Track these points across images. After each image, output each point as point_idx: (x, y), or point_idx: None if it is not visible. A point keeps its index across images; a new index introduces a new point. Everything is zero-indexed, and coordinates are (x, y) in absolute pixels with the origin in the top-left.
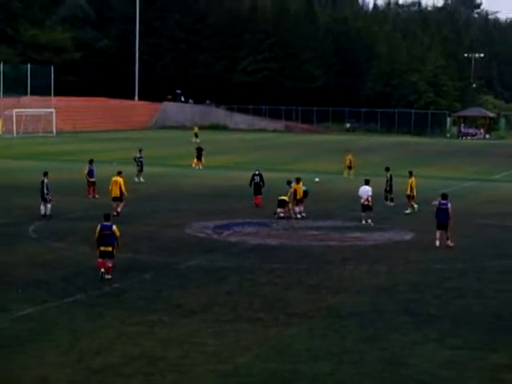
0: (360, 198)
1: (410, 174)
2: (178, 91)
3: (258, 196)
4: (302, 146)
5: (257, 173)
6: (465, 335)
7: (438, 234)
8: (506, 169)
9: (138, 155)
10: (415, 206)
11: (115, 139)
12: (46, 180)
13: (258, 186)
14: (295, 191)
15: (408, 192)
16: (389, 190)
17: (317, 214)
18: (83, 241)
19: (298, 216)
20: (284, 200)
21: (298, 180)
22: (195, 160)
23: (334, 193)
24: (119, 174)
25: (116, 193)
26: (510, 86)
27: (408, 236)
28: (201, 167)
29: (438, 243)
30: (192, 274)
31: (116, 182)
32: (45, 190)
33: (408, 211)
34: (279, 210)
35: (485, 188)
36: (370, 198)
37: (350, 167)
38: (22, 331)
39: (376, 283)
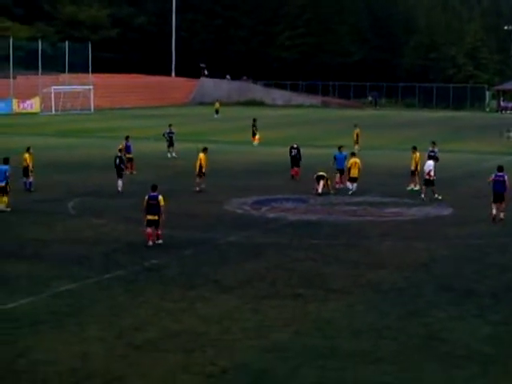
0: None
1: (414, 148)
2: (203, 65)
3: (296, 168)
4: (339, 121)
5: (295, 146)
6: (506, 311)
7: (494, 206)
8: None
9: (168, 130)
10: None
11: (153, 116)
12: (119, 154)
13: (294, 159)
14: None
15: (413, 167)
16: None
17: (355, 190)
18: (122, 217)
19: (349, 193)
20: (322, 175)
21: (352, 154)
22: (257, 136)
23: (371, 168)
24: (204, 150)
25: (197, 169)
26: None
27: (447, 211)
28: (255, 143)
29: (496, 214)
30: (230, 250)
31: (200, 158)
32: (121, 165)
33: (411, 187)
34: (319, 185)
35: None
36: (431, 173)
37: (357, 142)
38: (62, 306)
39: (415, 259)
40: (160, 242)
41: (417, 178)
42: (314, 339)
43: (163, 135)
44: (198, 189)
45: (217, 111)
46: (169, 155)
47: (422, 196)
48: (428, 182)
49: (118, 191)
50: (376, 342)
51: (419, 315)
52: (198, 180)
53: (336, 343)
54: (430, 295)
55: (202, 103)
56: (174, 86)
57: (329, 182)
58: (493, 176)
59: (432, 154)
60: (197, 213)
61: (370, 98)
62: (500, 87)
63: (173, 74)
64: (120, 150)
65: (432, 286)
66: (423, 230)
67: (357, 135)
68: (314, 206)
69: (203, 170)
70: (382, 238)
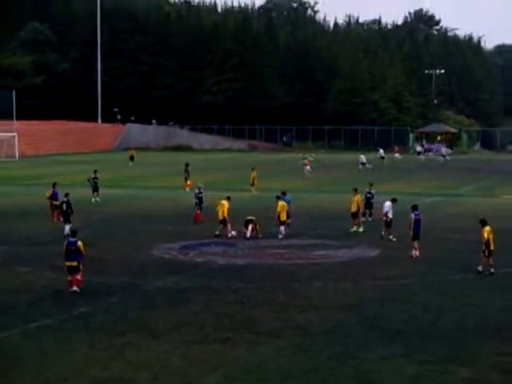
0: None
1: (355, 190)
2: (116, 109)
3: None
4: (267, 164)
5: (197, 191)
6: (432, 349)
7: (415, 244)
8: (468, 183)
9: (93, 176)
10: (360, 229)
11: (78, 162)
12: (66, 199)
13: (200, 200)
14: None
15: (354, 209)
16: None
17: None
18: (48, 265)
19: (280, 236)
20: (251, 219)
21: (277, 198)
22: (188, 182)
23: (297, 211)
24: (228, 198)
25: (221, 215)
26: (471, 101)
27: (374, 252)
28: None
29: (416, 253)
30: (159, 296)
31: (223, 205)
32: (68, 210)
33: (354, 229)
34: (247, 230)
35: (449, 202)
36: (388, 214)
37: (252, 184)
38: None
39: (343, 300)
40: (75, 289)
41: (360, 220)
42: (243, 383)
43: (88, 180)
44: (217, 233)
45: (132, 158)
46: (93, 200)
47: (382, 234)
48: (387, 224)
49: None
50: None
51: (348, 357)
52: (220, 227)
53: None
54: (359, 336)
55: (128, 149)
56: (100, 131)
57: (257, 227)
58: (413, 216)
59: (369, 195)
60: (124, 259)
61: (284, 139)
62: (422, 129)
63: (99, 120)
64: (66, 195)
65: (361, 327)
66: (351, 271)
67: (253, 178)
68: (242, 250)
69: (225, 217)
70: (310, 280)
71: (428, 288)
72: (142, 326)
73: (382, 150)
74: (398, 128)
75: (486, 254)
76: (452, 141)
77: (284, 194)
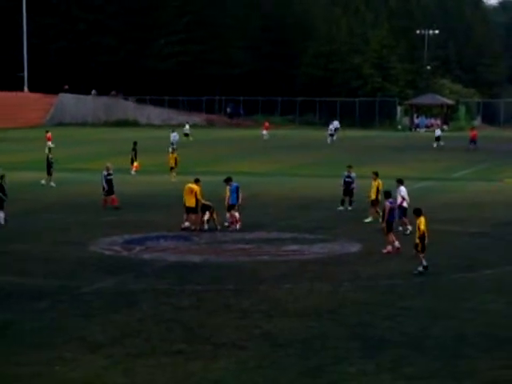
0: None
1: (376, 175)
2: (22, 74)
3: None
4: (227, 142)
5: (106, 172)
6: (422, 362)
7: (392, 237)
8: (466, 166)
9: (50, 155)
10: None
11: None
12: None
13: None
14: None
15: (373, 197)
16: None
17: (246, 225)
18: None
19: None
20: (208, 206)
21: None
22: (135, 163)
23: (266, 198)
24: (197, 181)
25: (191, 202)
26: (470, 67)
27: (354, 248)
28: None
29: (389, 249)
30: (97, 300)
31: (191, 189)
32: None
33: (369, 219)
34: (205, 217)
35: (443, 189)
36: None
37: (172, 168)
38: None
39: (319, 304)
40: None
41: (377, 208)
42: None
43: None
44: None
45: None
46: (43, 181)
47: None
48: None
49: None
50: None
51: (324, 371)
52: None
53: None
54: (338, 347)
55: (61, 124)
56: (27, 103)
57: (215, 216)
58: (388, 204)
59: (348, 179)
60: (55, 256)
61: (228, 109)
62: (413, 101)
63: (25, 88)
64: (2, 177)
65: (340, 336)
66: (329, 270)
67: (174, 161)
68: (198, 245)
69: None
70: (279, 281)
71: (418, 290)
72: (76, 337)
73: (336, 122)
74: (384, 99)
75: (420, 248)
76: (447, 115)
77: (230, 179)
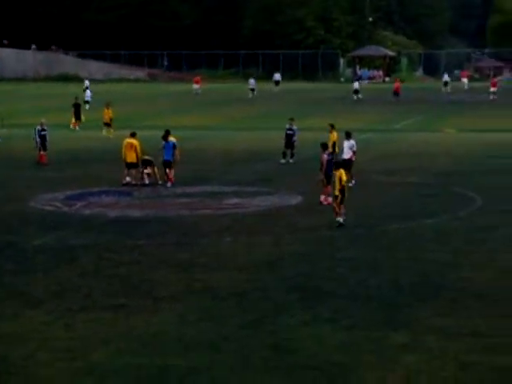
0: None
1: (332, 126)
2: (5, 41)
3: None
4: (168, 96)
5: (40, 128)
6: (361, 313)
7: (330, 189)
8: (407, 117)
9: None
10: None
11: None
12: None
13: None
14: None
15: (330, 149)
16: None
17: (187, 179)
18: None
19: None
20: (149, 160)
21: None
22: (73, 120)
23: (208, 152)
24: (133, 135)
25: (132, 157)
26: (412, 18)
27: (295, 200)
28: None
29: (328, 199)
30: (38, 256)
31: (131, 145)
32: None
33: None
34: (145, 171)
35: (384, 140)
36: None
37: (108, 124)
38: None
39: (258, 257)
40: None
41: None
42: (138, 358)
43: None
44: (127, 180)
45: None
46: None
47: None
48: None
49: None
50: (212, 357)
51: (264, 323)
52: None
53: (165, 361)
54: (277, 299)
55: (1, 79)
56: None
57: (155, 170)
58: (325, 156)
59: (290, 132)
60: None
61: (165, 64)
62: (355, 53)
63: None
64: None
65: (279, 288)
66: (268, 222)
67: (108, 117)
68: (139, 200)
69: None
70: (219, 235)
71: (357, 241)
72: (16, 293)
73: (277, 75)
74: (327, 52)
75: (339, 200)
76: (390, 66)
77: (168, 133)
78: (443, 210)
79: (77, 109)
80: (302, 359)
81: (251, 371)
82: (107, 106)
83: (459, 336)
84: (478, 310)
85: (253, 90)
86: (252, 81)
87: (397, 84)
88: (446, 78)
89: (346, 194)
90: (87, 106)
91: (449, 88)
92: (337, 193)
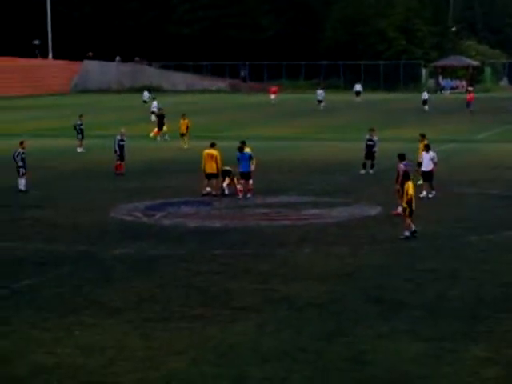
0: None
1: (423, 136)
2: (36, 42)
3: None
4: (250, 107)
5: (120, 137)
6: (441, 324)
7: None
8: (490, 127)
9: (79, 122)
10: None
11: (27, 107)
12: (20, 150)
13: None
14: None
15: (420, 159)
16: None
17: (266, 189)
18: None
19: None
20: (228, 171)
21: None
22: (156, 129)
23: (288, 163)
24: (213, 146)
25: (212, 168)
26: (497, 28)
27: (374, 211)
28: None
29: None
30: (118, 266)
31: (211, 155)
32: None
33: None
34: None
35: (466, 150)
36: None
37: (183, 134)
38: None
39: (337, 268)
40: None
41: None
42: (215, 368)
43: (74, 127)
44: (208, 191)
45: None
46: (78, 150)
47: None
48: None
49: (20, 190)
50: (289, 368)
51: (341, 334)
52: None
53: (242, 371)
54: (355, 310)
55: (86, 91)
56: (52, 70)
57: (235, 181)
58: (402, 166)
59: (370, 143)
60: (77, 222)
61: (242, 74)
62: (438, 63)
63: (50, 55)
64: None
65: (357, 300)
66: (348, 233)
67: (186, 126)
68: (218, 210)
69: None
70: (299, 245)
71: (438, 252)
72: (96, 302)
73: (358, 86)
74: (409, 62)
75: (408, 213)
76: (473, 76)
77: (244, 144)
78: None
79: (160, 119)
80: (379, 371)
81: (328, 383)
82: (183, 116)
83: None
84: None
85: (320, 101)
86: (320, 91)
87: (469, 96)
88: None
89: (414, 206)
90: (152, 118)
91: None
92: (404, 205)
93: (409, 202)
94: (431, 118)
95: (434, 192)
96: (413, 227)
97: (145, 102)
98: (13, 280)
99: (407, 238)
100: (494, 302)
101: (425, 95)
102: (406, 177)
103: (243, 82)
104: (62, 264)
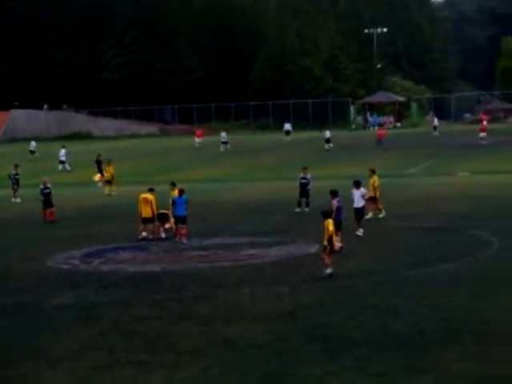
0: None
1: (373, 172)
2: (16, 103)
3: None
4: (180, 151)
5: (42, 186)
6: (386, 360)
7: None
8: (421, 161)
9: (14, 172)
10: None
11: None
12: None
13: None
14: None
15: (372, 193)
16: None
17: (203, 231)
18: None
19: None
20: (165, 214)
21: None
22: (99, 174)
23: (222, 204)
24: (150, 190)
25: (148, 212)
26: (420, 64)
27: (313, 248)
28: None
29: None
30: (57, 315)
31: (146, 200)
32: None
33: (369, 215)
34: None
35: (399, 185)
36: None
37: (109, 181)
38: None
39: (278, 307)
40: None
41: (379, 204)
42: None
43: (9, 177)
44: (146, 236)
45: None
46: (13, 199)
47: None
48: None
49: None
50: None
51: (286, 374)
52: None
53: None
54: (299, 349)
55: (13, 140)
56: None
57: (172, 223)
58: (335, 203)
59: (304, 181)
60: (12, 273)
61: (166, 117)
62: (366, 100)
63: None
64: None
65: (300, 338)
66: (286, 272)
67: (111, 174)
68: (156, 254)
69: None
70: (238, 286)
71: (377, 288)
72: (36, 353)
73: (288, 125)
74: (336, 100)
75: (328, 251)
76: (400, 112)
77: (174, 186)
78: (460, 254)
79: (99, 165)
80: None
81: None
82: (109, 163)
83: (484, 381)
84: (503, 354)
85: (225, 143)
86: (223, 134)
87: (379, 132)
88: (435, 122)
89: (334, 244)
90: (60, 167)
91: (437, 132)
92: (325, 243)
93: (329, 240)
94: (362, 154)
95: (361, 230)
96: (331, 268)
97: (31, 151)
98: None
99: (330, 275)
100: (435, 336)
101: (327, 133)
102: (327, 215)
103: (168, 124)
104: None
